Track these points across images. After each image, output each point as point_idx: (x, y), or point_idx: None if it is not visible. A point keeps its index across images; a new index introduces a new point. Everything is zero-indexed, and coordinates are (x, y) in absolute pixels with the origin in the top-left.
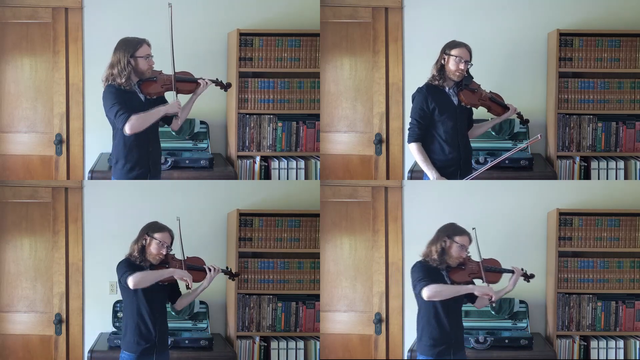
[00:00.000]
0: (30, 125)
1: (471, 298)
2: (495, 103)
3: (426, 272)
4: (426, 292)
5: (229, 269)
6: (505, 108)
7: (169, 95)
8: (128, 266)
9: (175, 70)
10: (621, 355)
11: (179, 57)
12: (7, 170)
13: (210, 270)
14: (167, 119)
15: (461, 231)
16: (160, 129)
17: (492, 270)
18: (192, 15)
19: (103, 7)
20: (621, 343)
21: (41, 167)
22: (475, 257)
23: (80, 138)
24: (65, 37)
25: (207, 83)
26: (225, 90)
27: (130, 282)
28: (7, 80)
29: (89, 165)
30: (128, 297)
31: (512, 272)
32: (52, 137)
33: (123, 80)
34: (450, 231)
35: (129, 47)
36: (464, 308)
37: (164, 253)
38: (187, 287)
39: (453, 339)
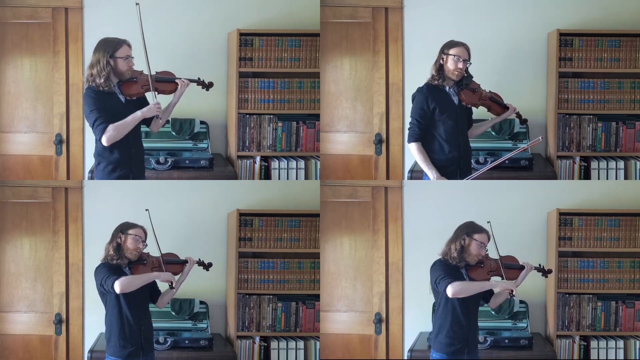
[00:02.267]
0: (30, 125)
1: (485, 297)
2: (495, 103)
3: (447, 269)
4: (451, 289)
5: (202, 260)
6: (505, 108)
7: (152, 96)
8: (109, 270)
9: (156, 71)
10: (621, 355)
11: (179, 57)
12: (7, 170)
13: (186, 262)
14: (146, 120)
15: (480, 229)
16: (159, 129)
17: (511, 267)
18: (192, 15)
19: (103, 7)
20: (621, 343)
21: (41, 167)
22: (492, 254)
23: (80, 138)
24: (65, 37)
25: (186, 83)
26: (207, 90)
27: (117, 286)
28: (7, 80)
29: (89, 165)
30: (110, 301)
31: (523, 268)
32: (52, 137)
33: (102, 80)
34: (470, 229)
35: (109, 47)
36: None
37: (141, 247)
38: (171, 287)
39: (469, 338)
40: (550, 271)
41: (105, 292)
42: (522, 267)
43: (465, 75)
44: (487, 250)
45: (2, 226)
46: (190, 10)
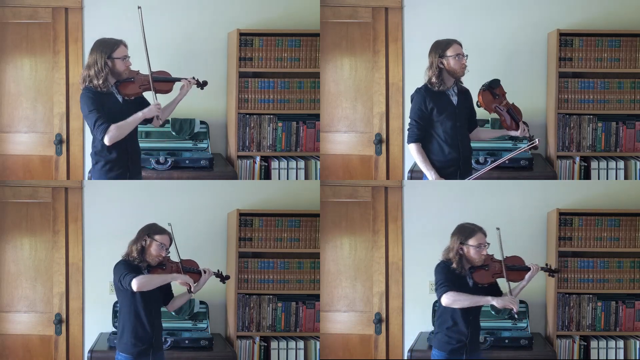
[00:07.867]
0: (30, 125)
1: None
2: (509, 115)
3: (448, 275)
4: (445, 300)
5: (220, 272)
6: (516, 124)
7: (149, 95)
8: (127, 268)
9: (153, 70)
10: (621, 355)
11: (179, 57)
12: (7, 170)
13: (204, 272)
14: (147, 119)
15: (472, 231)
16: (159, 129)
17: (514, 268)
18: (192, 15)
19: (103, 7)
20: (621, 343)
21: (41, 167)
22: (498, 256)
23: (80, 138)
24: (65, 37)
25: (189, 82)
26: (202, 88)
27: (135, 284)
28: (7, 80)
29: (88, 165)
30: (125, 299)
31: (529, 269)
32: (52, 137)
33: (100, 82)
34: (463, 235)
35: (106, 48)
36: None
37: (163, 255)
38: (189, 291)
39: (467, 339)
40: (557, 270)
41: (122, 288)
42: (527, 269)
43: (494, 79)
44: (487, 244)
45: (2, 226)
46: (190, 10)
